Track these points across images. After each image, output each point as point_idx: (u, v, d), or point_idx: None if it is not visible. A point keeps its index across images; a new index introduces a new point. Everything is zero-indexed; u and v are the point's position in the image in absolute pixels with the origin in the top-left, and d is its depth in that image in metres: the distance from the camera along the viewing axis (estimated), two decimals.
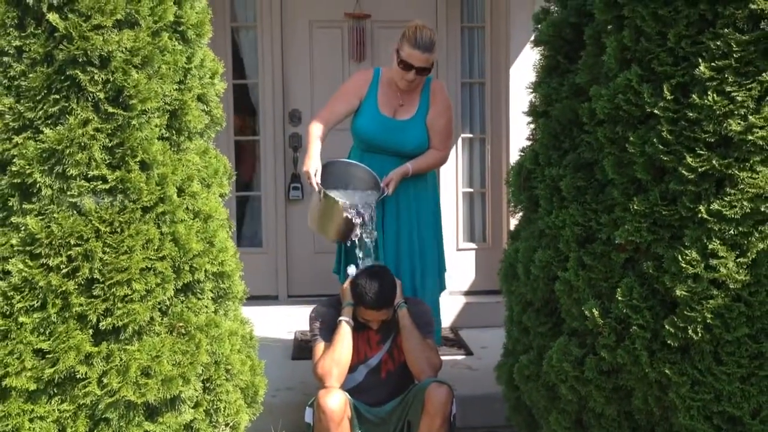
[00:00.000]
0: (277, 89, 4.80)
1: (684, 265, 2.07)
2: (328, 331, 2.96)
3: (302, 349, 4.25)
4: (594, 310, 2.24)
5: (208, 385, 2.34)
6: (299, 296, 4.83)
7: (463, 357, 4.09)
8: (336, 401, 2.71)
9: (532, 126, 2.77)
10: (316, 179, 3.23)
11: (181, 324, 2.23)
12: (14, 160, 2.07)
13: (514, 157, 2.98)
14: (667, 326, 2.11)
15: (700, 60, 2.08)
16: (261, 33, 4.79)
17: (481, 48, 4.91)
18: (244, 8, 4.88)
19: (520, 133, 3.61)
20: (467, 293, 4.87)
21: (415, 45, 3.29)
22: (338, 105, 3.48)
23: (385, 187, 3.31)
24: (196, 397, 2.30)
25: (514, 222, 2.95)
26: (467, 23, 4.90)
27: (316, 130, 3.39)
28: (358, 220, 3.17)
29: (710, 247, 2.06)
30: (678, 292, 2.08)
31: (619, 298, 2.19)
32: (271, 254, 4.91)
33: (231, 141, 4.81)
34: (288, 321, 4.59)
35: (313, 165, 3.26)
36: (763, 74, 2.03)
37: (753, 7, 2.02)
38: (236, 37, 4.88)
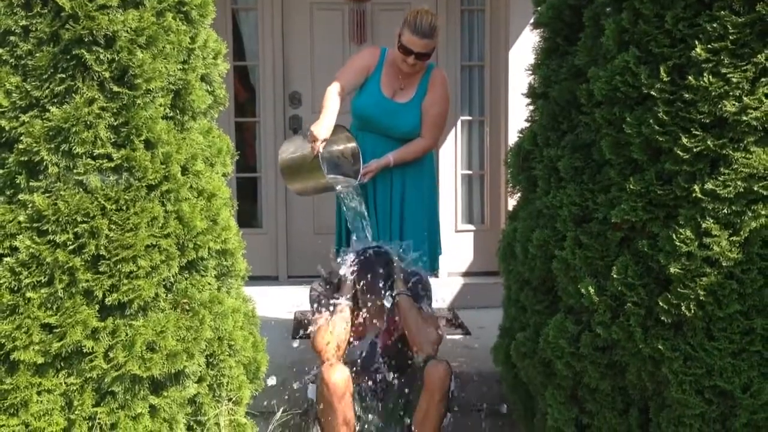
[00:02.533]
0: (277, 71, 4.83)
1: (678, 244, 2.11)
2: (327, 305, 3.00)
3: (302, 328, 4.30)
4: (590, 288, 2.28)
5: (211, 360, 2.39)
6: (299, 277, 4.87)
7: (462, 337, 4.15)
8: (340, 376, 2.76)
9: (531, 108, 2.80)
10: (319, 146, 3.23)
11: (185, 300, 2.27)
12: (21, 138, 2.10)
13: (513, 139, 3.02)
14: (660, 303, 2.15)
15: (696, 42, 2.11)
16: (261, 15, 4.80)
17: (480, 31, 4.92)
18: None
19: (519, 115, 3.64)
20: (465, 274, 4.92)
21: (414, 31, 3.33)
22: (350, 76, 3.51)
23: (362, 176, 3.37)
24: (200, 372, 2.35)
25: (512, 203, 2.99)
26: (467, 6, 4.91)
27: (338, 90, 3.41)
28: (349, 202, 3.25)
29: (704, 225, 2.10)
30: (672, 270, 2.13)
31: (615, 276, 2.24)
32: (271, 235, 4.96)
33: (232, 122, 4.83)
34: (288, 301, 4.63)
35: (323, 132, 3.25)
36: (758, 56, 2.06)
37: None
38: (237, 19, 4.89)
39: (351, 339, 2.99)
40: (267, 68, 4.83)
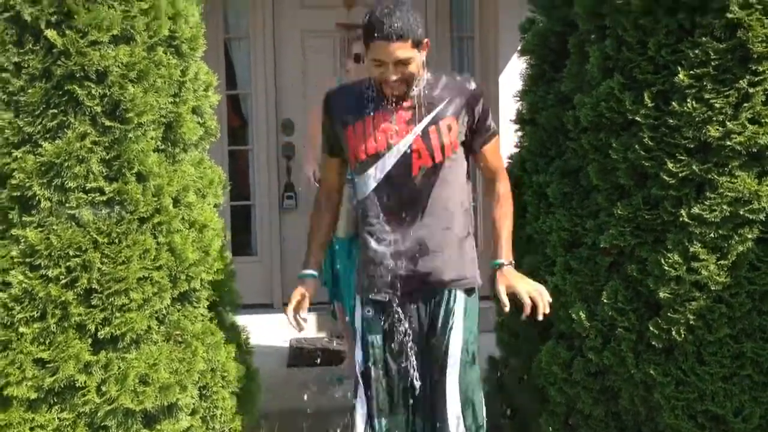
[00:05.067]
0: (269, 99, 4.86)
1: (667, 268, 2.13)
2: (337, 122, 2.23)
3: (297, 356, 4.30)
4: (581, 313, 2.30)
5: (204, 392, 2.38)
6: None
7: None
8: None
9: (520, 134, 2.84)
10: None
11: (177, 332, 2.27)
12: (14, 174, 2.12)
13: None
14: (651, 328, 2.17)
15: (679, 68, 2.15)
16: (254, 44, 4.84)
17: (470, 57, 4.98)
18: (237, 19, 4.94)
19: (509, 141, 3.67)
20: None
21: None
22: None
23: None
24: (193, 404, 2.34)
25: None
26: (457, 33, 4.97)
27: None
28: None
29: (692, 250, 2.12)
30: (661, 295, 2.14)
31: (605, 300, 2.25)
32: (265, 262, 4.96)
33: (225, 151, 4.85)
34: (283, 329, 4.62)
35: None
36: (740, 81, 2.10)
37: (730, 16, 2.09)
38: (229, 48, 4.93)
39: (370, 152, 2.16)
40: (259, 96, 4.86)
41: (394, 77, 2.07)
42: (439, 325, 2.17)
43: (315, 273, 2.33)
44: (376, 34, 2.03)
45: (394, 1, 2.07)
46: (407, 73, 2.08)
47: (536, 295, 2.08)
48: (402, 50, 2.04)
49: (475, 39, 4.93)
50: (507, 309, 2.09)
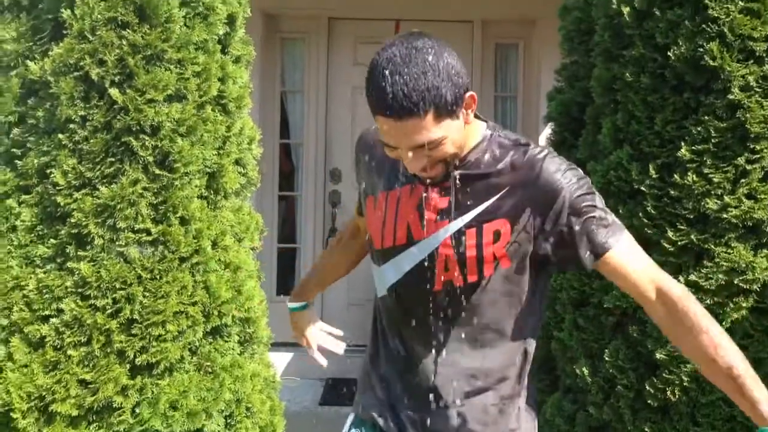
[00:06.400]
0: (320, 149, 5.14)
1: None
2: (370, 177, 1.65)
3: (331, 396, 4.47)
4: (584, 369, 2.41)
5: (229, 420, 2.58)
6: None
7: None
8: None
9: None
10: None
11: (207, 363, 2.49)
12: (73, 213, 2.38)
13: None
14: (648, 387, 2.27)
15: (682, 143, 2.28)
16: (307, 97, 5.15)
17: (512, 116, 5.17)
18: (293, 74, 5.26)
19: None
20: None
21: None
22: None
23: None
24: (218, 431, 2.54)
25: None
26: (500, 92, 5.17)
27: None
28: None
29: None
30: (658, 356, 2.25)
31: (607, 358, 2.37)
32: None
33: (275, 195, 5.14)
34: (321, 368, 4.80)
35: None
36: (739, 158, 2.22)
37: (731, 97, 2.23)
38: (284, 100, 5.25)
39: (385, 244, 1.54)
40: (310, 146, 5.15)
41: (417, 166, 1.38)
42: None
43: (299, 305, 1.95)
44: (377, 107, 1.37)
45: (407, 49, 1.33)
46: (436, 158, 1.38)
47: None
48: (419, 132, 1.32)
49: (518, 99, 5.13)
50: None
